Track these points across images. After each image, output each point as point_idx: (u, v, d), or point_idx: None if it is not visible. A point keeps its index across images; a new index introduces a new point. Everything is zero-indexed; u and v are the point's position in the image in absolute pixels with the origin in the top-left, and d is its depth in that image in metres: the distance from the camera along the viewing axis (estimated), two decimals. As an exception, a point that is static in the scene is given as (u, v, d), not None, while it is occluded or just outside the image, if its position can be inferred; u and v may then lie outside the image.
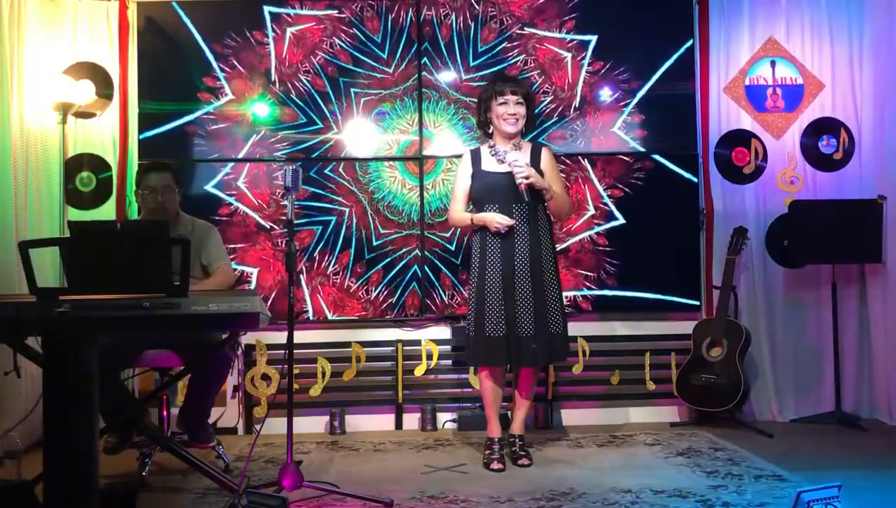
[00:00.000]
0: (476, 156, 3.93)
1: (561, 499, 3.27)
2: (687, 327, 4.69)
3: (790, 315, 4.81)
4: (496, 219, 3.76)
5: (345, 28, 4.72)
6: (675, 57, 4.76)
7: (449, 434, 4.53)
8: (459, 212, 3.95)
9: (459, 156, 4.15)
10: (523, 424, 3.97)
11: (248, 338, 4.53)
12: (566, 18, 4.76)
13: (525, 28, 4.76)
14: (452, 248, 4.72)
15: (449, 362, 4.74)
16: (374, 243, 4.71)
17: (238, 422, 4.56)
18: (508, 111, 3.81)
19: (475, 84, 4.66)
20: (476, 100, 4.08)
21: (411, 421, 4.73)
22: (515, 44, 4.76)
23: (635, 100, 4.76)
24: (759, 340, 4.74)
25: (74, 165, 4.59)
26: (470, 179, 3.91)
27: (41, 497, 2.65)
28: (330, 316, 4.67)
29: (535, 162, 3.85)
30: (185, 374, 3.64)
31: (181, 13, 4.65)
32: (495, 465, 3.77)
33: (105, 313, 2.59)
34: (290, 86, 4.69)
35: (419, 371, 4.70)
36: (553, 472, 3.69)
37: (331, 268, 4.68)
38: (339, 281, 4.68)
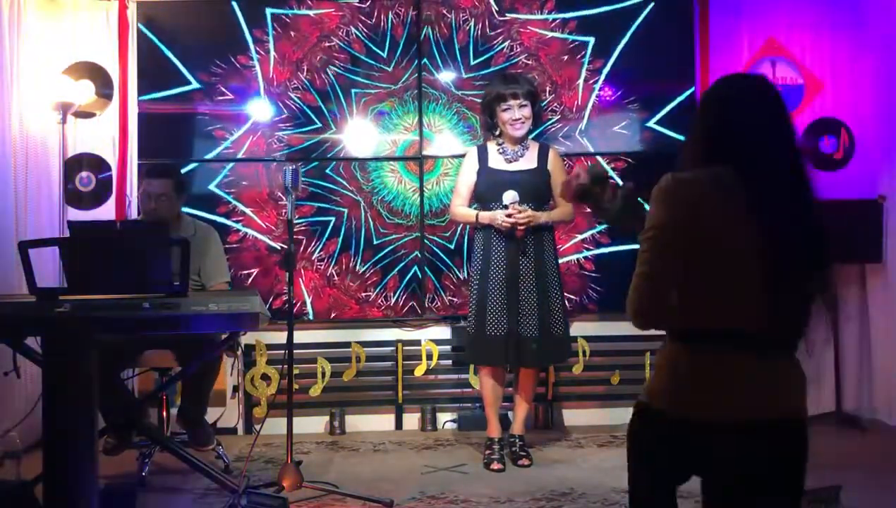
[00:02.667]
0: (483, 153, 3.92)
1: (561, 499, 3.27)
2: (687, 327, 4.68)
3: (790, 315, 4.79)
4: (504, 218, 3.72)
5: (344, 29, 4.71)
6: (679, 97, 4.79)
7: (449, 434, 4.53)
8: (463, 208, 3.94)
9: (461, 156, 4.16)
10: (524, 424, 3.97)
11: (248, 338, 4.52)
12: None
13: (507, 14, 4.72)
14: (452, 247, 4.71)
15: (449, 362, 4.73)
16: (375, 243, 4.71)
17: (238, 422, 4.55)
18: (514, 116, 3.79)
19: (468, 76, 4.68)
20: (479, 99, 4.08)
21: (411, 421, 4.73)
22: (499, 31, 4.72)
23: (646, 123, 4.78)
24: (759, 340, 4.72)
25: (74, 165, 4.59)
26: (475, 176, 3.90)
27: (41, 497, 2.65)
28: (310, 313, 4.66)
29: (542, 162, 3.87)
30: (182, 376, 3.64)
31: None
32: (495, 465, 3.77)
33: (105, 313, 2.59)
34: (289, 85, 4.70)
35: (419, 371, 4.70)
36: (553, 472, 3.69)
37: (318, 260, 4.68)
38: (336, 279, 4.68)
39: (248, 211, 4.67)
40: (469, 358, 4.16)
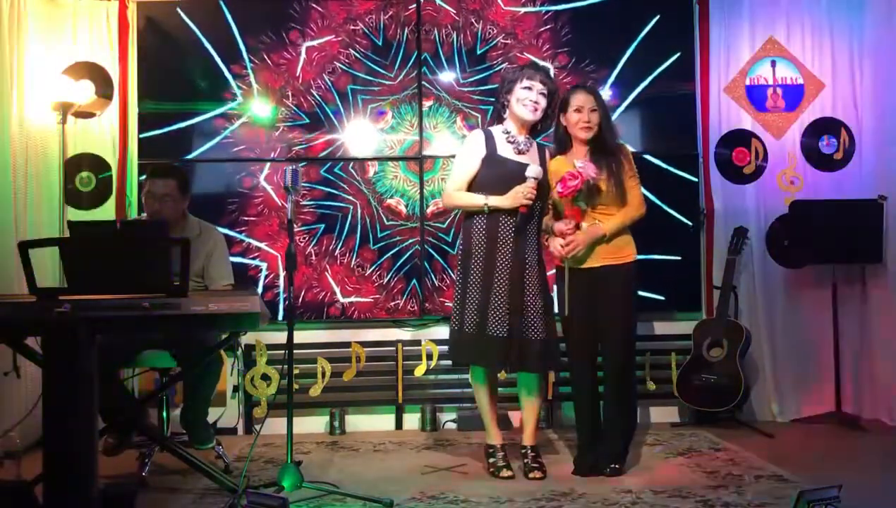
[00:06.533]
0: (490, 139, 3.63)
1: (561, 499, 3.27)
2: (687, 327, 4.69)
3: (790, 315, 4.80)
4: (521, 193, 3.47)
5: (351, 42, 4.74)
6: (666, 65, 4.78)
7: (449, 435, 4.53)
8: (465, 193, 3.61)
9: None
10: (535, 433, 3.70)
11: (248, 338, 4.53)
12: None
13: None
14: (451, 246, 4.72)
15: (449, 362, 4.71)
16: (376, 241, 4.71)
17: (238, 422, 4.55)
18: (531, 97, 3.57)
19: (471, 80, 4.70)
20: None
21: (411, 420, 4.73)
22: (483, 21, 4.77)
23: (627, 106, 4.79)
24: (759, 340, 4.74)
25: (74, 165, 4.59)
26: (479, 163, 3.60)
27: (41, 497, 2.65)
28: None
29: (542, 162, 3.66)
30: (181, 377, 3.64)
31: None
32: (505, 473, 3.57)
33: (105, 313, 2.59)
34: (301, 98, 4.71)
35: (419, 371, 4.70)
36: (553, 472, 3.68)
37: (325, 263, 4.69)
38: (336, 276, 4.69)
39: (262, 245, 4.68)
40: (459, 357, 3.74)
